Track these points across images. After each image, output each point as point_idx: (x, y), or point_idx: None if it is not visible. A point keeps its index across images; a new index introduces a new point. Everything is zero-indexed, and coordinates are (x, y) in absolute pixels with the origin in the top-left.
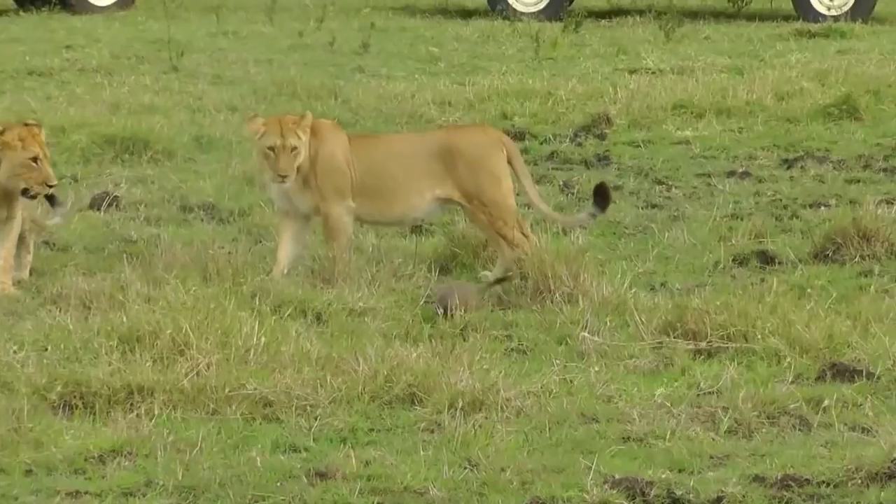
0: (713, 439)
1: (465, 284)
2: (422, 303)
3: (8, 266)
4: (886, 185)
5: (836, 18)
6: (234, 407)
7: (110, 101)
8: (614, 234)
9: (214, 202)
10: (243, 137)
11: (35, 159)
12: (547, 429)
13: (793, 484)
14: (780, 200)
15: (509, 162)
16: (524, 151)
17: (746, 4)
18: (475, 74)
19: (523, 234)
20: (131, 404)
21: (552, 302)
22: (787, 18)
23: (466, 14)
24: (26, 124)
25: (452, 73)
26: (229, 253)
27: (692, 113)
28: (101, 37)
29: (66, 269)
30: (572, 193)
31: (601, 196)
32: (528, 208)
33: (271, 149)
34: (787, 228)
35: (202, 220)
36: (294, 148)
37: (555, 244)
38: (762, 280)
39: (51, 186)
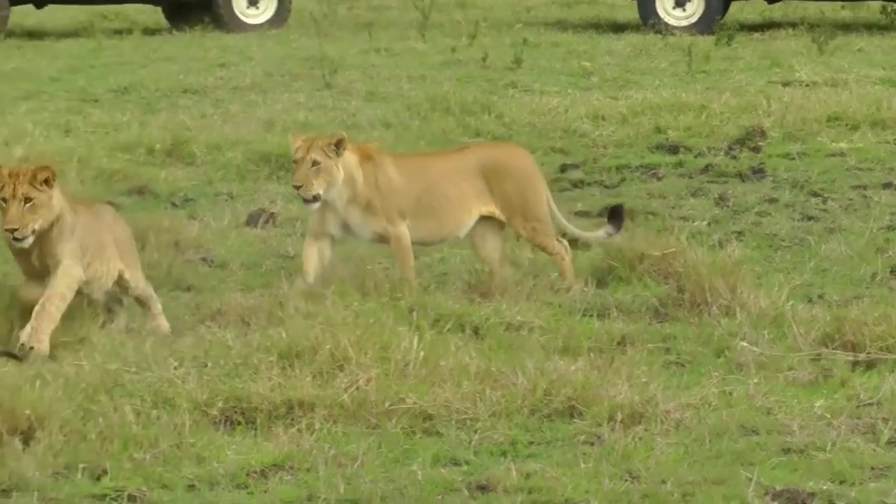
0: (874, 451)
1: None
2: (580, 316)
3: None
4: None
5: None
6: (394, 421)
7: (265, 119)
8: (770, 246)
9: None
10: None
11: (4, 200)
12: (707, 441)
13: None
14: None
15: None
16: (678, 165)
17: None
18: (628, 88)
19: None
20: (292, 419)
21: (709, 314)
22: None
23: (618, 28)
24: (42, 167)
25: (605, 87)
26: (387, 268)
27: (847, 125)
28: (255, 55)
29: (225, 285)
30: (727, 206)
31: (616, 217)
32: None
33: (295, 162)
34: None
35: None
36: (315, 162)
37: (711, 257)
38: None
39: (10, 231)
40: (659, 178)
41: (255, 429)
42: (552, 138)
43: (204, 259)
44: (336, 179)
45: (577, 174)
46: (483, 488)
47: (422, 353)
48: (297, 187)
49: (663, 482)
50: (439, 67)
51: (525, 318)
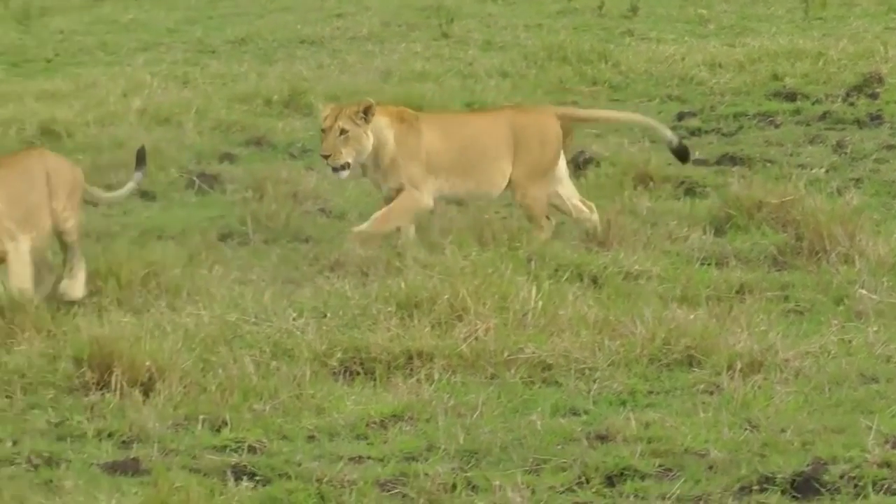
0: None
1: None
2: (698, 264)
3: None
4: None
5: None
6: (513, 371)
7: (382, 69)
8: (889, 193)
9: None
10: (512, 103)
11: None
12: (826, 389)
13: None
14: None
15: None
16: (796, 112)
17: None
18: (745, 35)
19: None
20: (411, 369)
21: (828, 262)
22: None
23: None
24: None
25: (722, 34)
26: (504, 218)
27: None
28: (372, 5)
29: (343, 236)
30: (845, 153)
31: (681, 155)
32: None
33: (323, 131)
34: None
35: None
36: (343, 131)
37: (829, 204)
38: None
39: None
40: (776, 126)
41: (375, 379)
42: (669, 86)
43: (322, 210)
44: (365, 147)
45: (694, 122)
46: (602, 438)
47: (540, 303)
48: (325, 157)
49: (783, 431)
50: (556, 16)
51: (643, 267)
